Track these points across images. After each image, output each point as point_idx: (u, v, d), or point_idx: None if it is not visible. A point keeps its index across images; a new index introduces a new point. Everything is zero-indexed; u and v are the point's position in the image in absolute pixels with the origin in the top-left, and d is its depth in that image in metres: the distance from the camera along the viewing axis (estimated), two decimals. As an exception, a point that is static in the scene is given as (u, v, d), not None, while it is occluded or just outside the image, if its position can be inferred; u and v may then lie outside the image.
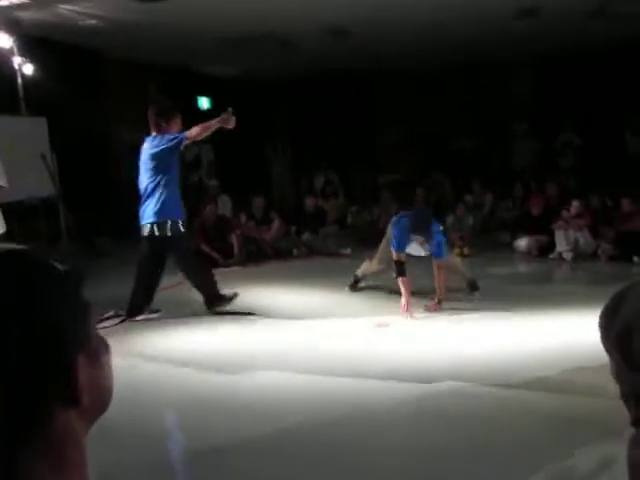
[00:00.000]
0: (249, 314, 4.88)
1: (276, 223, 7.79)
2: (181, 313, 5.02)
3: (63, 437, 0.55)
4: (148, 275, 4.77)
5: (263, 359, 3.88)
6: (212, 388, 3.43)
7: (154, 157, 4.58)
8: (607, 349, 0.68)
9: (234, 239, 7.20)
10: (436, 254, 4.71)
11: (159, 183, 4.57)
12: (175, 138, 4.57)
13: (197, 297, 5.22)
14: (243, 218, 7.86)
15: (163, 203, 4.55)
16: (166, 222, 4.59)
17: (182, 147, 4.64)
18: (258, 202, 7.97)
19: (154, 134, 4.70)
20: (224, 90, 11.55)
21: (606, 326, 0.68)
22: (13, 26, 6.53)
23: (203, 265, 5.03)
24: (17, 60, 6.78)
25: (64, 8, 6.41)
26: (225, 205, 8.59)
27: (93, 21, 6.92)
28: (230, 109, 4.51)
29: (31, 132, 6.68)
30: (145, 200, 4.66)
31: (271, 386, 3.41)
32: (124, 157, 9.64)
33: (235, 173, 10.71)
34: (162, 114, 4.66)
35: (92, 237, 7.59)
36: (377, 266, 5.32)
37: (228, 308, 4.91)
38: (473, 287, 5.20)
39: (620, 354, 0.66)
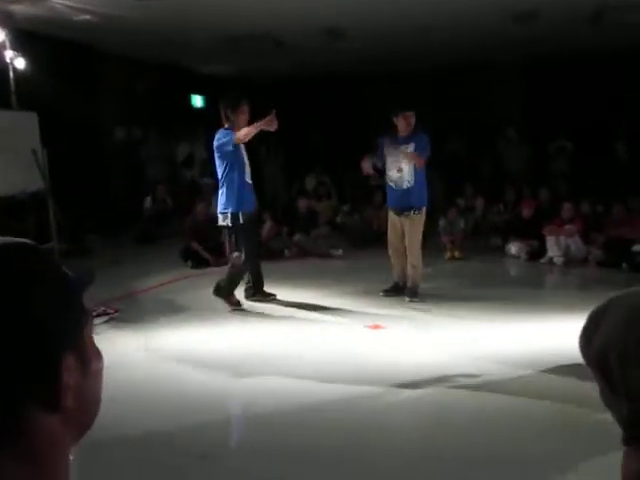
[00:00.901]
0: (238, 304, 4.99)
1: (268, 224, 7.76)
2: (167, 312, 4.99)
3: (44, 442, 0.53)
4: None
5: (253, 361, 3.86)
6: (203, 389, 3.41)
7: (216, 151, 4.84)
8: (590, 369, 0.67)
9: (225, 239, 7.16)
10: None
11: (222, 176, 4.82)
12: (227, 135, 4.74)
13: (192, 294, 5.20)
14: (235, 218, 7.81)
15: (226, 195, 4.80)
16: (227, 213, 4.83)
17: (232, 147, 4.75)
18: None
19: (224, 127, 4.88)
20: (218, 89, 11.51)
21: (585, 347, 0.67)
22: (5, 20, 6.46)
23: (242, 270, 5.04)
24: (9, 54, 6.71)
25: (58, 2, 6.35)
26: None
27: (87, 16, 6.87)
28: (274, 111, 4.66)
29: (22, 127, 6.60)
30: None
31: (261, 389, 3.39)
32: (115, 154, 9.60)
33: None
34: (228, 106, 4.83)
35: (81, 234, 7.52)
36: (392, 256, 5.34)
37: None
38: (414, 294, 5.14)
39: (600, 375, 0.65)
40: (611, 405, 0.65)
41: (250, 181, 4.92)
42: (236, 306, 4.99)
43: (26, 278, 0.54)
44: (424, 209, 5.13)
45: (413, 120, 5.11)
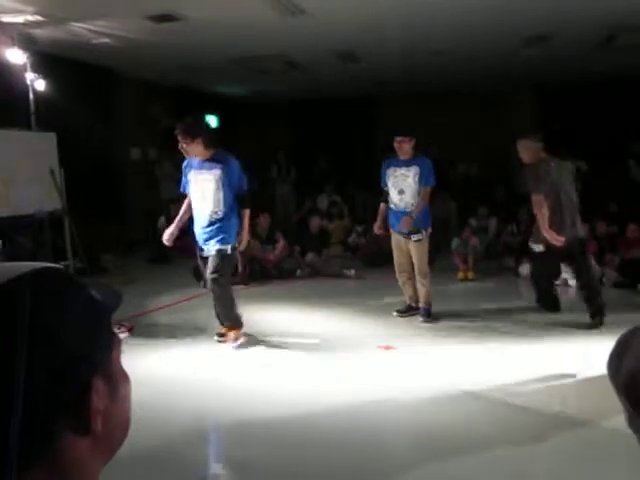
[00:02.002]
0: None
1: (281, 243, 7.79)
2: (180, 330, 5.00)
3: (72, 464, 0.53)
4: None
5: (262, 379, 3.85)
6: (211, 409, 3.41)
7: None
8: (618, 395, 0.67)
9: (238, 258, 7.19)
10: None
11: None
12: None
13: (203, 312, 5.22)
14: (248, 237, 7.85)
15: None
16: None
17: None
18: (263, 220, 7.98)
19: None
20: (232, 109, 11.69)
21: (613, 375, 0.67)
22: (27, 43, 6.63)
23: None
24: (30, 76, 6.87)
25: (78, 26, 6.51)
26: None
27: (106, 39, 7.03)
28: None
29: (41, 147, 6.74)
30: None
31: (267, 408, 3.37)
32: (131, 174, 9.74)
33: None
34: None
35: (96, 253, 7.60)
36: (400, 278, 5.33)
37: None
38: (427, 314, 5.13)
39: (628, 402, 0.65)
40: (639, 431, 0.65)
41: (196, 216, 4.51)
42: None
43: (57, 302, 0.54)
44: (428, 230, 5.12)
45: (406, 145, 5.10)
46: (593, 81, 9.99)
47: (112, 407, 0.57)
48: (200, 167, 4.50)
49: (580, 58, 8.47)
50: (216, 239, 4.43)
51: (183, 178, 4.64)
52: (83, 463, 0.54)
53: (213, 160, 4.47)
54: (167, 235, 4.58)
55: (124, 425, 0.60)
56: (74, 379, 0.53)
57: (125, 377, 0.61)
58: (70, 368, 0.53)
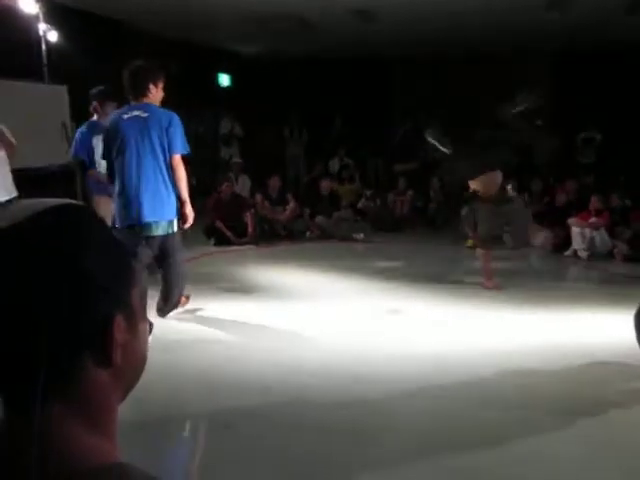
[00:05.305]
0: None
1: (291, 205, 7.80)
2: (190, 288, 5.06)
3: (94, 394, 0.56)
4: None
5: (268, 338, 3.89)
6: (221, 363, 3.47)
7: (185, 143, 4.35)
8: None
9: (248, 218, 7.22)
10: None
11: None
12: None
13: (213, 270, 5.26)
14: (259, 198, 7.86)
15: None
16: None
17: None
18: (274, 182, 7.97)
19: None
20: (245, 68, 11.51)
21: (638, 328, 0.69)
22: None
23: None
24: (42, 27, 6.76)
25: (91, -23, 6.38)
26: (245, 185, 8.60)
27: (119, -9, 6.90)
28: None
29: (52, 100, 6.69)
30: None
31: (273, 366, 3.40)
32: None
33: (253, 153, 10.70)
34: None
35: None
36: None
37: None
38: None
39: None
40: None
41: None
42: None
43: (79, 236, 0.55)
44: None
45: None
46: (611, 50, 9.73)
47: (132, 342, 0.59)
48: None
49: (601, 23, 8.23)
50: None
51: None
52: (104, 395, 0.57)
53: None
54: None
55: (141, 361, 0.62)
56: (97, 310, 0.55)
57: (144, 315, 0.63)
58: (94, 299, 0.54)
